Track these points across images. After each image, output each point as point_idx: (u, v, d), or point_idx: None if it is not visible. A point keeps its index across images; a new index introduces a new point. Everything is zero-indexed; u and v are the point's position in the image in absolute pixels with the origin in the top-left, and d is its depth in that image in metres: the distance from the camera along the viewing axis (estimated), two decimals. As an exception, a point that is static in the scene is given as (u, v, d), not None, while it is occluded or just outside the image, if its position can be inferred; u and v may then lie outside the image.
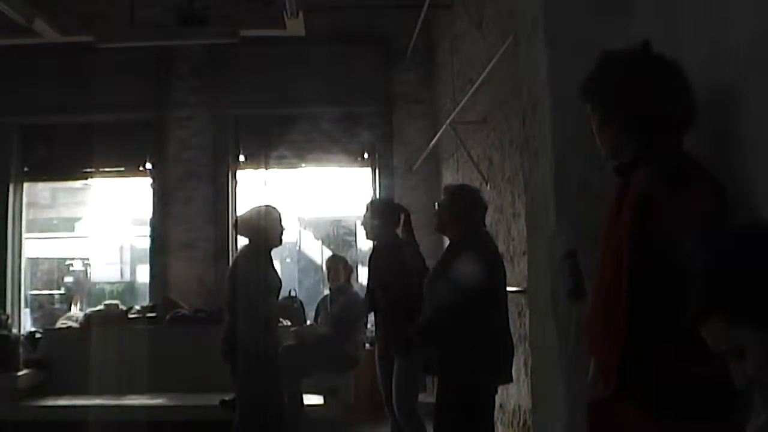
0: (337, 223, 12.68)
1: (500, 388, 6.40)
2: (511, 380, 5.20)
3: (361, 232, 11.61)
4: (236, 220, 6.66)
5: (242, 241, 6.68)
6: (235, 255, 6.87)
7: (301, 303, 8.29)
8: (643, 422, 2.44)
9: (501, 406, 6.80)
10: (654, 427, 2.41)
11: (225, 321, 6.41)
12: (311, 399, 7.16)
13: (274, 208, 6.32)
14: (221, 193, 10.12)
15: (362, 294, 6.98)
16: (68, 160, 10.40)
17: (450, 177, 9.00)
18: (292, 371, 6.68)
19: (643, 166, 2.49)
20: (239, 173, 10.44)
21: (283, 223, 6.33)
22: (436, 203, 5.63)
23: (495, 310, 4.93)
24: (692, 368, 2.25)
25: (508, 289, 6.06)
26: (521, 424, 6.20)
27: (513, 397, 6.42)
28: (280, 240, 6.37)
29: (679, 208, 2.30)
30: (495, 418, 6.93)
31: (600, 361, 2.66)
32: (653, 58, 2.54)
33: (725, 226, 2.29)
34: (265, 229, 6.21)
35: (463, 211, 5.20)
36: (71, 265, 14.58)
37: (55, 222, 15.18)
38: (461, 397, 4.85)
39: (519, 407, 6.26)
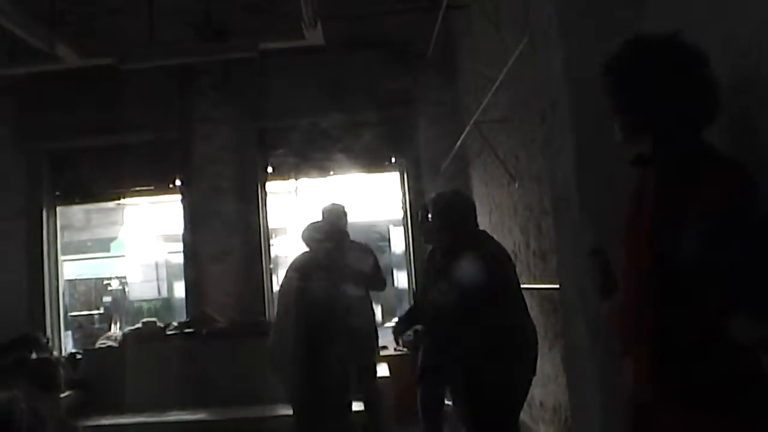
0: (370, 229, 12.68)
1: (539, 386, 6.39)
2: (534, 373, 5.17)
3: (395, 236, 11.64)
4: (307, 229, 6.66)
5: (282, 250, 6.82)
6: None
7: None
8: (684, 421, 2.39)
9: (541, 403, 6.78)
10: (696, 426, 2.35)
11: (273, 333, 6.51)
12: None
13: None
14: (251, 205, 10.16)
15: None
16: (98, 182, 10.50)
17: (478, 176, 8.99)
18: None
19: (666, 158, 2.45)
20: (268, 184, 10.49)
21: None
22: (427, 215, 5.66)
23: (507, 307, 4.96)
24: (729, 363, 2.20)
25: (542, 286, 6.05)
26: (563, 420, 6.17)
27: (552, 394, 6.39)
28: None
29: (707, 199, 2.24)
30: (536, 416, 6.95)
31: (635, 361, 2.59)
32: (684, 47, 2.46)
33: (756, 216, 2.22)
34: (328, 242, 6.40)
35: (454, 217, 5.25)
36: (109, 284, 14.74)
37: (89, 243, 15.35)
38: (491, 398, 4.86)
39: (560, 405, 6.23)
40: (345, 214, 7.36)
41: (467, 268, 4.88)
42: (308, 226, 6.52)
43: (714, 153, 2.40)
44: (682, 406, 2.37)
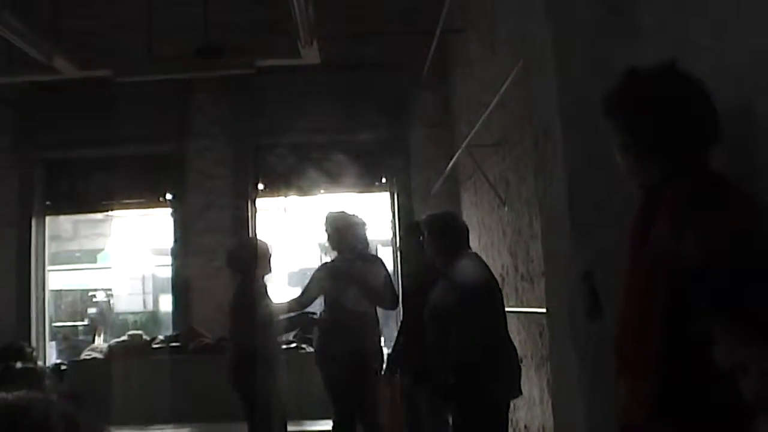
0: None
1: (523, 408, 6.42)
2: (521, 393, 5.28)
3: (384, 256, 11.63)
4: (226, 256, 6.97)
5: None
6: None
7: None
8: None
9: (526, 426, 6.80)
10: None
11: (228, 351, 6.72)
12: (321, 425, 7.13)
13: (258, 239, 6.90)
14: (241, 222, 10.18)
15: None
16: (89, 193, 10.49)
17: (468, 199, 9.03)
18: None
19: (675, 186, 2.44)
20: (259, 201, 10.50)
21: (270, 252, 6.75)
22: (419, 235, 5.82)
23: (496, 329, 5.07)
24: (730, 390, 2.19)
25: (529, 309, 6.12)
26: (546, 444, 6.19)
27: (537, 418, 6.41)
28: (270, 268, 6.79)
29: (719, 227, 2.23)
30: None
31: (633, 383, 2.57)
32: (680, 76, 2.48)
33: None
34: (253, 261, 6.63)
35: (447, 240, 5.31)
36: (94, 296, 14.65)
37: (77, 254, 15.27)
38: (477, 416, 4.93)
39: (543, 428, 6.26)
40: (363, 223, 6.90)
41: (464, 283, 4.99)
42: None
43: (725, 181, 2.41)
44: (678, 428, 2.36)
